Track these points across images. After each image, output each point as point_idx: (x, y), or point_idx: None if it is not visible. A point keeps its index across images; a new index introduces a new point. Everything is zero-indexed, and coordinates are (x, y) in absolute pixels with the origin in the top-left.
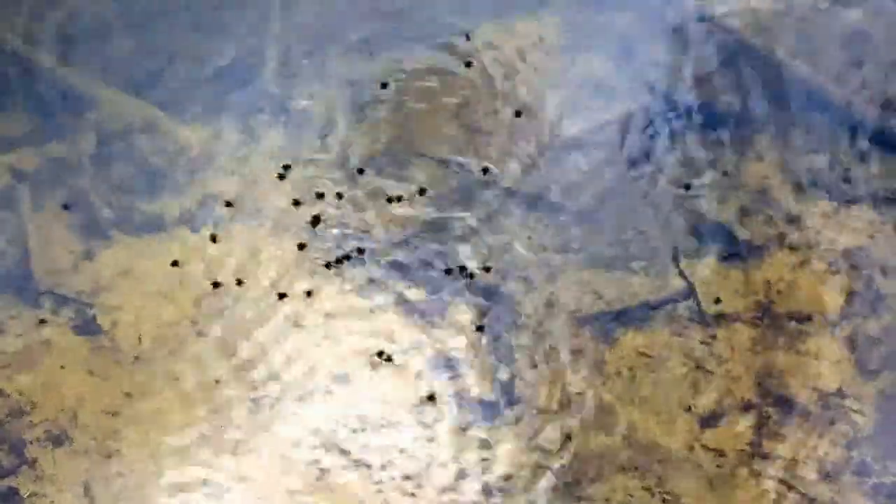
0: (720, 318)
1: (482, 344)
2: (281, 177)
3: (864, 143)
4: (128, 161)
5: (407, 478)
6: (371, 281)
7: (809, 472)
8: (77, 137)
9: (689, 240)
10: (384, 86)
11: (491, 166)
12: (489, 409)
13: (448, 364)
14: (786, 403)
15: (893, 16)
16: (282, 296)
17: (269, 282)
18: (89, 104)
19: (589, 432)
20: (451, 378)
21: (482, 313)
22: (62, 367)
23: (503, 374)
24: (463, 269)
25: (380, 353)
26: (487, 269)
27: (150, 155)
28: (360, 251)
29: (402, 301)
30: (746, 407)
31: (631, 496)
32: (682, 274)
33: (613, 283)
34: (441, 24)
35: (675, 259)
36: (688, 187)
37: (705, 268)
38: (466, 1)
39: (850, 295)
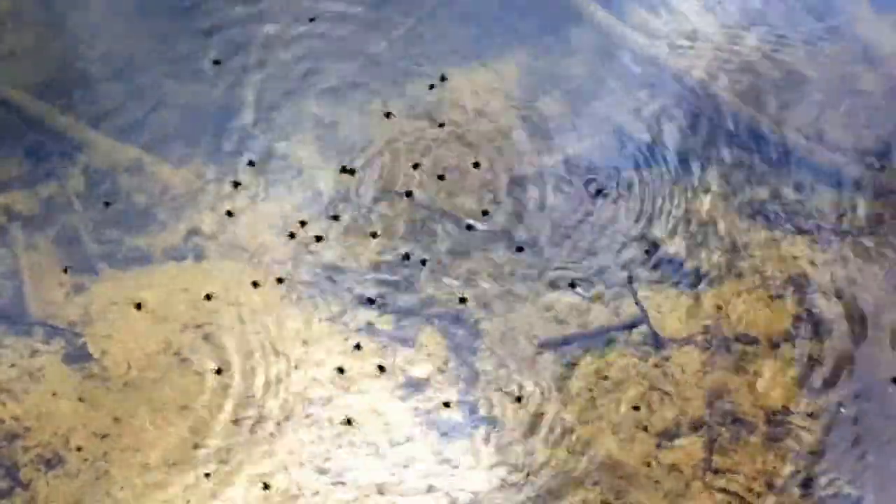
0: (673, 341)
1: (449, 369)
2: (261, 213)
3: (802, 177)
4: (115, 200)
5: (380, 493)
6: (343, 310)
7: (759, 486)
8: (67, 179)
9: (643, 269)
10: (363, 135)
11: (474, 222)
12: (456, 431)
13: (416, 388)
14: (736, 421)
15: (826, 59)
16: (262, 324)
17: (250, 312)
18: (79, 147)
19: (552, 451)
20: (420, 401)
21: (448, 339)
22: (54, 393)
23: (469, 397)
24: (430, 298)
25: (340, 370)
26: (452, 298)
27: (135, 194)
28: (334, 281)
29: (372, 329)
30: (699, 425)
31: None
32: (636, 301)
33: (572, 309)
34: (414, 71)
35: (631, 287)
36: (641, 219)
37: (658, 295)
38: (442, 50)
39: (794, 319)
